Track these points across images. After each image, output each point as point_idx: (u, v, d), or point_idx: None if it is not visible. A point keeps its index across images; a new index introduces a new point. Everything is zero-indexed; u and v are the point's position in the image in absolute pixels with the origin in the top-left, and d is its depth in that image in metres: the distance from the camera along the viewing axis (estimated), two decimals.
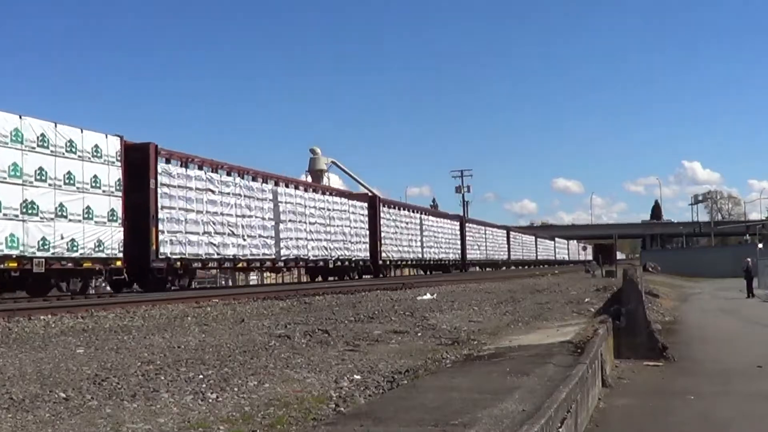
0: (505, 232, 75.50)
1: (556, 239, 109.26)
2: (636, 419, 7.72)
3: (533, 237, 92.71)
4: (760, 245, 54.42)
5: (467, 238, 60.02)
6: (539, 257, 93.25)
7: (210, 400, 5.80)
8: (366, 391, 6.32)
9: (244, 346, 9.09)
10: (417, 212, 50.31)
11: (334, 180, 66.84)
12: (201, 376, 6.79)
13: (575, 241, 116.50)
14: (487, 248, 66.57)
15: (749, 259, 34.28)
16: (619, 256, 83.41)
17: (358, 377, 6.93)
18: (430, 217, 53.06)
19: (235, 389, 6.22)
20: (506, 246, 74.31)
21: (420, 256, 48.65)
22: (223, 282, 42.76)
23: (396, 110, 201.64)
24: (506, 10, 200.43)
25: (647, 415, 7.88)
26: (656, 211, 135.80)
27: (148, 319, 13.65)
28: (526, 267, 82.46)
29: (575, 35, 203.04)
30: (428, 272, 53.40)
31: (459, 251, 57.90)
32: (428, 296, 20.19)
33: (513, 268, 76.73)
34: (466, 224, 61.43)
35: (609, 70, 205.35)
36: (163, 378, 6.70)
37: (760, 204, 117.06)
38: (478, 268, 66.83)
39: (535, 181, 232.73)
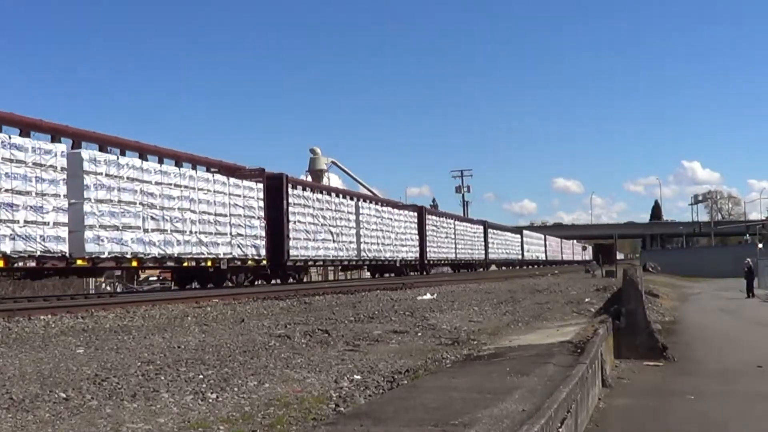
0: (415, 215, 47.42)
1: (526, 232, 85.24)
2: (636, 419, 7.73)
3: (481, 227, 64.85)
4: (760, 245, 54.38)
5: (290, 218, 30.87)
6: (491, 256, 66.80)
7: (210, 400, 5.80)
8: (366, 391, 6.31)
9: (244, 346, 9.09)
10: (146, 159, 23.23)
11: (334, 180, 66.70)
12: (201, 376, 6.79)
13: (575, 240, 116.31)
14: (365, 238, 38.32)
15: (750, 260, 34.27)
16: (619, 256, 76.47)
17: (358, 377, 6.93)
18: (205, 177, 25.79)
19: (235, 389, 6.22)
20: (417, 238, 47.15)
21: (162, 251, 22.64)
22: None
23: (396, 110, 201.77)
24: (506, 9, 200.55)
25: (647, 415, 7.89)
26: (656, 211, 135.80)
27: (148, 319, 13.65)
28: (466, 270, 59.03)
29: (574, 35, 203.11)
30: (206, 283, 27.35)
31: (261, 245, 28.54)
32: (428, 296, 20.20)
33: (448, 270, 57.45)
34: (290, 190, 31.21)
35: (608, 69, 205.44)
36: (163, 378, 6.69)
37: (760, 204, 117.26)
38: (344, 275, 46.54)
39: (535, 181, 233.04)
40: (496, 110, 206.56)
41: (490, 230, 67.12)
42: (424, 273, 48.16)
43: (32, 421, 5.06)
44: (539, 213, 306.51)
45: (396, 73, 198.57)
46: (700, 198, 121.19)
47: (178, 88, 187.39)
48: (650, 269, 50.88)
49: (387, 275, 43.71)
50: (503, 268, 71.52)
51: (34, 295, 25.12)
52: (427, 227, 48.83)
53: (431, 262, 50.63)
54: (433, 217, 52.04)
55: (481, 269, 62.28)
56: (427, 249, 48.68)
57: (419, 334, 10.90)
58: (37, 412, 5.32)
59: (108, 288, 36.73)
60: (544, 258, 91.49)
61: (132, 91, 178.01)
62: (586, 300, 18.96)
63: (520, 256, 78.16)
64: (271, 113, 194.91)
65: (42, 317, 13.50)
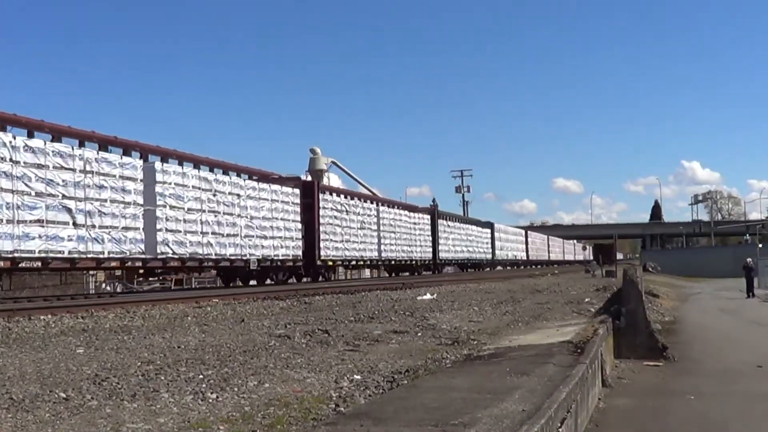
0: (296, 194, 31.96)
1: (498, 227, 69.47)
2: (636, 419, 7.73)
3: (427, 217, 49.68)
4: (760, 245, 54.37)
5: None
6: (444, 255, 51.73)
7: (210, 400, 5.80)
8: (366, 391, 6.31)
9: (244, 346, 9.09)
10: None
11: (334, 180, 66.62)
12: (201, 376, 6.79)
13: (575, 240, 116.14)
14: (167, 224, 23.55)
15: (750, 259, 34.27)
16: (619, 256, 72.31)
17: (358, 377, 6.93)
18: None
19: (235, 389, 6.22)
20: (300, 227, 31.76)
21: None
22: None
23: (396, 110, 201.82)
24: (506, 9, 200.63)
25: (647, 415, 7.88)
26: (656, 211, 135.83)
27: (148, 319, 13.65)
28: (407, 273, 44.98)
29: (574, 35, 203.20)
30: None
31: None
32: (428, 296, 20.19)
33: (372, 274, 46.86)
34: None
35: (608, 69, 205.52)
36: (163, 378, 6.70)
37: (760, 204, 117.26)
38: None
39: (535, 181, 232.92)
40: (496, 110, 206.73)
41: (441, 221, 52.25)
42: (320, 278, 34.37)
43: (32, 421, 5.06)
44: (539, 213, 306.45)
45: (396, 73, 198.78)
46: (700, 198, 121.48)
47: (178, 88, 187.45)
48: (650, 269, 50.86)
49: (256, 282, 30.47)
50: (469, 270, 58.48)
51: (34, 295, 25.14)
52: (321, 212, 33.53)
53: (330, 262, 35.06)
54: (334, 198, 35.98)
55: (429, 272, 48.77)
56: (322, 244, 33.41)
57: (419, 334, 10.90)
58: (37, 412, 5.32)
59: (108, 288, 36.74)
60: (524, 257, 78.18)
61: (132, 90, 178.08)
62: (586, 300, 18.96)
63: (489, 255, 64.74)
64: (271, 113, 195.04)
65: (42, 317, 13.51)
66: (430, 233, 49.34)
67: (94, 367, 7.37)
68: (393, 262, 43.60)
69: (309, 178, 57.33)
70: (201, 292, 24.40)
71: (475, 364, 7.60)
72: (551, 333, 10.54)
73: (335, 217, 35.15)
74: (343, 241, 35.71)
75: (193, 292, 24.60)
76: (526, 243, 79.67)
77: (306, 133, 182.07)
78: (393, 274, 45.03)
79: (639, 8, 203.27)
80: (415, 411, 4.98)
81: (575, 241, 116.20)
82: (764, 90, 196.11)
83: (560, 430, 5.09)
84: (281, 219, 30.48)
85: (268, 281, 31.57)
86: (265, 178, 31.39)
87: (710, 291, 37.82)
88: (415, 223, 47.00)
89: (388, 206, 44.41)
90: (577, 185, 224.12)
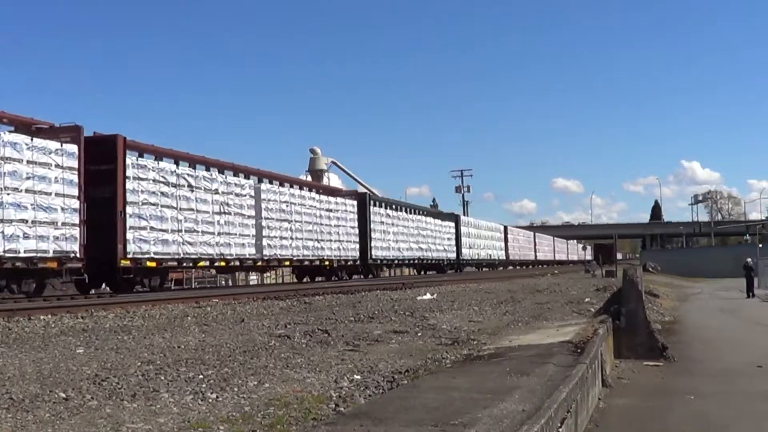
0: (69, 151, 19.51)
1: (465, 219, 60.90)
2: (636, 419, 7.73)
3: (351, 203, 38.03)
4: (760, 245, 54.36)
5: None
6: (380, 253, 40.64)
7: (210, 400, 5.80)
8: (366, 391, 6.32)
9: (244, 346, 9.09)
10: None
11: (334, 180, 66.57)
12: (201, 376, 6.79)
13: (574, 240, 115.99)
14: None
15: (750, 259, 34.23)
16: (619, 256, 71.12)
17: (358, 377, 6.93)
18: None
19: (235, 389, 6.22)
20: (74, 208, 19.71)
21: None
22: (223, 282, 42.66)
23: (396, 110, 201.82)
24: (506, 9, 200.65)
25: (647, 415, 7.88)
26: (656, 211, 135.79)
27: (148, 319, 13.65)
28: (335, 279, 34.69)
29: (574, 34, 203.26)
30: None
31: None
32: (428, 296, 20.19)
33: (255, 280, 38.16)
34: None
35: (608, 69, 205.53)
36: (163, 378, 6.70)
37: (760, 204, 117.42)
38: None
39: (534, 181, 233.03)
40: (496, 110, 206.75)
41: (376, 210, 41.07)
42: (136, 289, 23.06)
43: (32, 421, 5.06)
44: (539, 213, 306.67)
45: (396, 73, 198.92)
46: (700, 198, 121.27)
47: (179, 88, 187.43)
48: (650, 269, 50.82)
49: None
50: (427, 272, 50.03)
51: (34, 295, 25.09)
52: (132, 185, 22.09)
53: (152, 262, 22.80)
54: (161, 165, 23.78)
55: (359, 275, 38.84)
56: (132, 234, 21.82)
57: (419, 334, 10.90)
58: (37, 412, 5.32)
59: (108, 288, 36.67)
60: (503, 257, 68.79)
61: (132, 90, 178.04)
62: (586, 300, 18.96)
63: (453, 254, 54.47)
64: (271, 113, 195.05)
65: (42, 317, 13.51)
66: (356, 224, 37.58)
67: (94, 367, 7.36)
68: (290, 263, 32.39)
69: (309, 178, 57.12)
70: (201, 292, 24.40)
71: (475, 364, 7.60)
72: (551, 333, 10.55)
73: (164, 194, 23.25)
74: (180, 231, 23.81)
75: (193, 292, 24.61)
76: (506, 241, 70.13)
77: (306, 133, 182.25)
78: (330, 277, 35.31)
79: (639, 8, 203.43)
80: (415, 411, 4.98)
81: (575, 240, 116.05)
82: (764, 90, 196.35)
83: (560, 430, 5.09)
84: (30, 191, 18.79)
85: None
86: (25, 126, 19.85)
87: (710, 291, 37.79)
88: (329, 210, 34.85)
89: (277, 184, 31.52)
90: (577, 185, 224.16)
